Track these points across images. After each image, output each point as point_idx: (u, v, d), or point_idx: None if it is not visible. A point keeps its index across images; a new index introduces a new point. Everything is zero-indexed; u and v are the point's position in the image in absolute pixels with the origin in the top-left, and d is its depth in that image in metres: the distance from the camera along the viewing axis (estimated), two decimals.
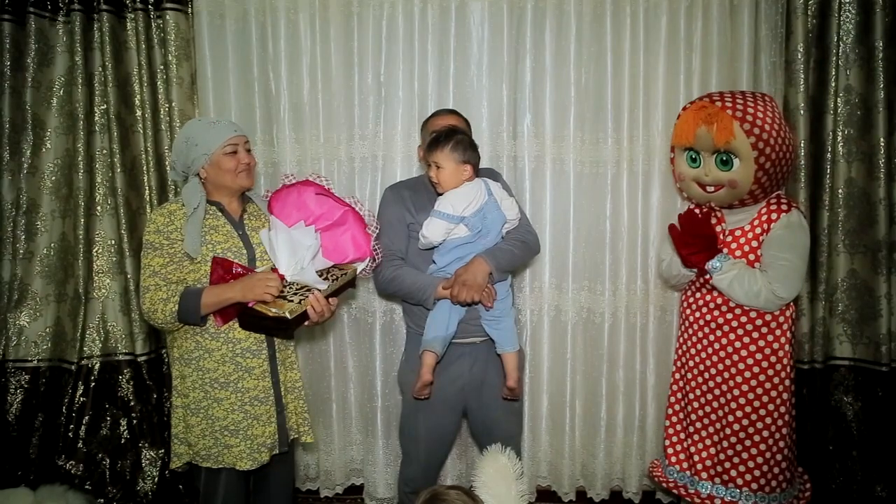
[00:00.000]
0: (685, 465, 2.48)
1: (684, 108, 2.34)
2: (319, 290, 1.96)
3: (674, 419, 2.53)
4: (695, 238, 2.28)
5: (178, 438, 2.03)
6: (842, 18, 2.61)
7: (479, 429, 2.37)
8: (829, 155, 2.64)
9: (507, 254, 2.21)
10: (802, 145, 2.61)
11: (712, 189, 2.29)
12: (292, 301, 1.91)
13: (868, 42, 2.59)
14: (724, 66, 2.66)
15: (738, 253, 2.30)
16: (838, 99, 2.63)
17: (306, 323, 1.98)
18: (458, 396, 2.28)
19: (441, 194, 2.20)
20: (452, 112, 2.41)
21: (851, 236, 2.66)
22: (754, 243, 2.28)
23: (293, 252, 1.96)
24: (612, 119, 2.70)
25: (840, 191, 2.65)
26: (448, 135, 2.18)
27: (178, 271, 1.94)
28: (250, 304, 1.89)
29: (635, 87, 2.69)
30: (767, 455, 2.30)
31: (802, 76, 2.61)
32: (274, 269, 1.97)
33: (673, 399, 2.54)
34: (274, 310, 1.87)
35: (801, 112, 2.62)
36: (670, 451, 2.52)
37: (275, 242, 1.96)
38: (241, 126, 2.07)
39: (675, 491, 2.51)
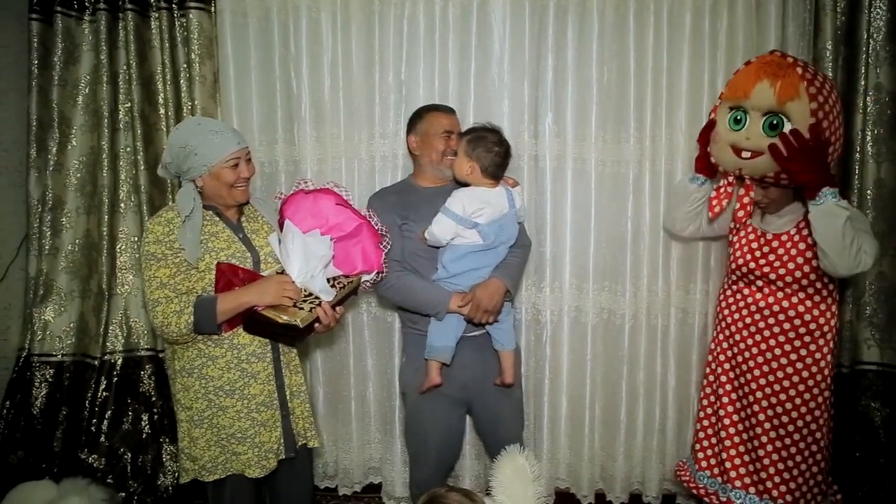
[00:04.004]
0: (716, 470, 2.38)
1: (747, 63, 2.14)
2: (327, 300, 1.94)
3: (705, 423, 2.44)
4: (803, 152, 1.97)
5: (185, 453, 1.98)
6: (872, 15, 2.56)
7: (483, 425, 2.41)
8: (857, 155, 2.59)
9: (518, 269, 2.32)
10: None
11: (748, 155, 2.08)
12: (302, 308, 1.88)
13: None
14: None
15: (785, 258, 2.17)
16: (868, 98, 2.57)
17: (315, 328, 1.96)
18: (461, 392, 2.29)
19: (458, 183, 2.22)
20: (452, 112, 2.42)
21: (880, 239, 2.58)
22: (801, 245, 2.14)
23: (306, 259, 1.93)
24: (635, 118, 2.66)
25: (869, 192, 2.60)
26: (474, 129, 2.24)
27: (186, 281, 1.87)
28: (259, 309, 1.87)
29: (658, 85, 2.65)
30: (803, 467, 2.22)
31: (831, 74, 2.56)
32: (281, 273, 1.95)
33: (706, 402, 2.44)
34: (285, 317, 1.85)
35: None
36: (700, 455, 2.43)
37: (289, 247, 1.93)
38: (242, 135, 2.02)
39: (705, 498, 2.42)
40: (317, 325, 1.95)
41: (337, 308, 1.99)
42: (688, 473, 2.50)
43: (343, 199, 2.08)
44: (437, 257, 2.24)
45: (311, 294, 1.94)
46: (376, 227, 2.11)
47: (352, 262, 2.07)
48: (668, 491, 2.85)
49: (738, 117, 2.08)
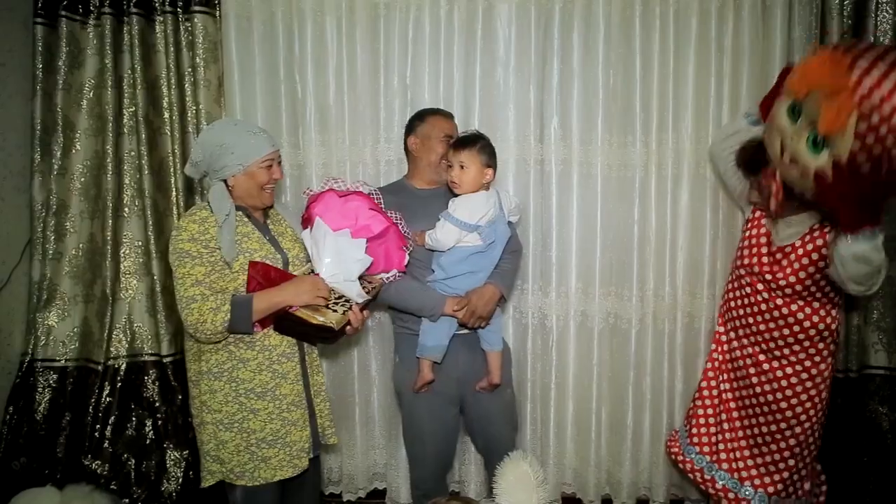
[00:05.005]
0: (706, 449, 2.43)
1: (832, 48, 1.72)
2: (360, 302, 1.95)
3: (707, 402, 2.46)
4: (841, 198, 1.69)
5: (210, 456, 1.95)
6: (879, 19, 2.56)
7: (473, 424, 2.39)
8: None
9: (511, 274, 2.37)
10: None
11: (788, 159, 1.82)
12: (336, 311, 1.89)
13: None
14: (755, 69, 2.61)
15: (788, 269, 2.15)
16: None
17: (346, 331, 1.98)
18: (455, 388, 2.31)
19: (456, 195, 2.22)
20: (452, 117, 2.43)
21: (887, 243, 2.57)
22: (805, 260, 2.12)
23: (339, 259, 1.94)
24: (641, 122, 2.66)
25: None
26: (476, 137, 2.23)
27: (221, 280, 1.86)
28: (293, 309, 1.87)
29: (664, 89, 2.65)
30: (791, 463, 2.27)
31: None
32: (311, 273, 1.96)
33: (705, 384, 2.48)
34: (320, 318, 1.86)
35: None
36: (695, 431, 2.46)
37: (321, 246, 1.94)
38: (275, 138, 2.05)
39: (689, 475, 2.47)
40: (347, 327, 1.96)
41: (364, 311, 2.02)
42: (677, 446, 2.53)
43: (375, 204, 2.11)
44: (433, 259, 2.25)
45: (341, 296, 1.95)
46: (402, 231, 2.14)
47: (374, 263, 2.09)
48: (675, 496, 2.84)
49: (794, 108, 1.78)
